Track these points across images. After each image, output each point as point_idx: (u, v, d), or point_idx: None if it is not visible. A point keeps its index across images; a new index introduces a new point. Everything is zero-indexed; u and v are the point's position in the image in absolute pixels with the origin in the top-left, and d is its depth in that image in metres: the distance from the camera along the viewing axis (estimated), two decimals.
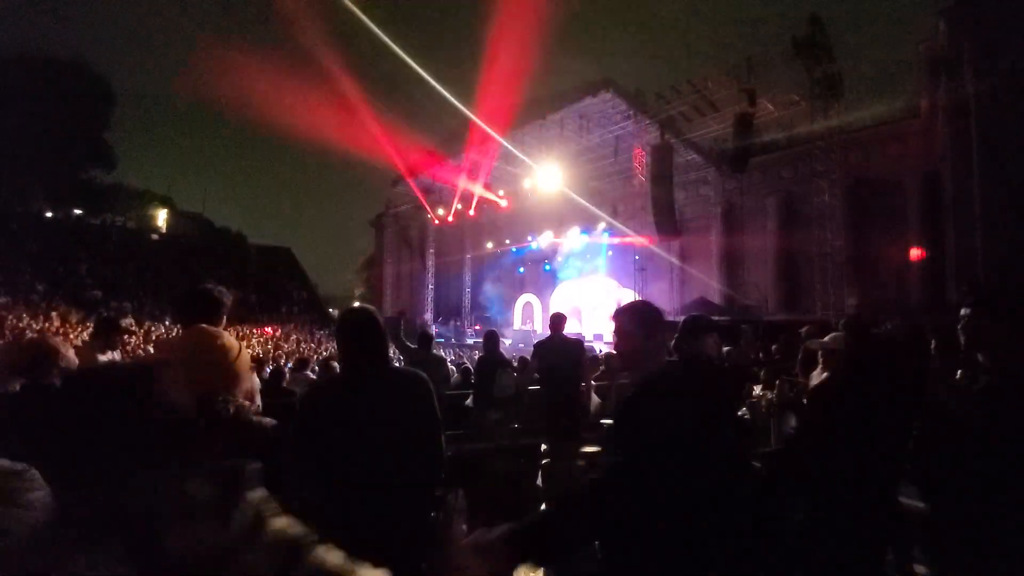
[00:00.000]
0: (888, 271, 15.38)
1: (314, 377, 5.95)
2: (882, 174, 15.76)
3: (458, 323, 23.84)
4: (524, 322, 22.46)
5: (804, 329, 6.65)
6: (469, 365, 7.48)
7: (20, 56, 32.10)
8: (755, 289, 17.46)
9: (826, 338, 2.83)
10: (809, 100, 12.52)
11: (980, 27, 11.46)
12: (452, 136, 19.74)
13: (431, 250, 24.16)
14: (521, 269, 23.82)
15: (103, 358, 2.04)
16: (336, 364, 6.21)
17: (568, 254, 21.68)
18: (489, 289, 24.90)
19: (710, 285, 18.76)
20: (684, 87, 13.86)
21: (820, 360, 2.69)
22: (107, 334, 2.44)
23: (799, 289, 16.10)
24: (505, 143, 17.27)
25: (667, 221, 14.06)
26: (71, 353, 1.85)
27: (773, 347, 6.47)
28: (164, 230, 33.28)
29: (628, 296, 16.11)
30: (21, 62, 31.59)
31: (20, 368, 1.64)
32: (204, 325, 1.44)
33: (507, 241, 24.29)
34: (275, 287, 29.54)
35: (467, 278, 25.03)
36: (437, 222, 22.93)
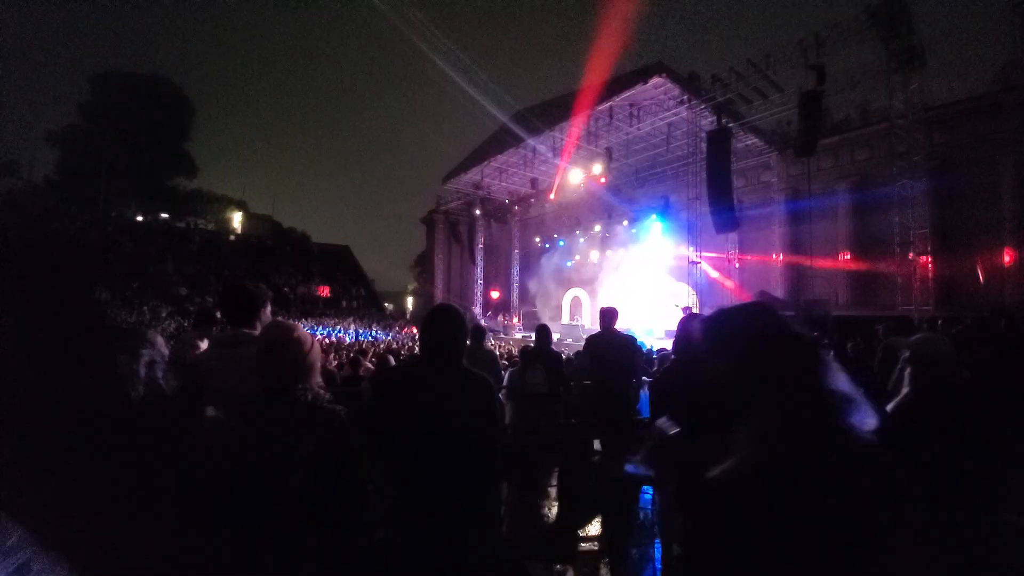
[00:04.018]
0: (980, 264, 13.82)
1: (371, 367, 6.24)
2: (971, 155, 14.12)
3: (506, 318, 24.09)
4: (572, 317, 22.29)
5: (882, 326, 6.14)
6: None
7: (109, 74, 35.66)
8: (823, 282, 16.30)
9: (915, 338, 1.87)
10: (886, 74, 11.44)
11: None
12: (501, 131, 19.89)
13: (480, 245, 24.53)
14: (569, 263, 23.63)
15: (202, 345, 2.30)
16: (391, 358, 6.51)
17: (618, 248, 21.23)
18: (537, 284, 24.93)
19: (772, 277, 17.71)
20: (744, 67, 13.09)
21: (908, 371, 1.74)
22: (205, 324, 2.78)
23: (874, 283, 14.86)
24: (553, 136, 17.19)
25: (725, 212, 13.34)
26: (159, 342, 2.06)
27: (848, 345, 6.01)
28: (239, 231, 35.97)
29: (681, 291, 15.54)
30: (110, 79, 35.11)
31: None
32: (279, 319, 1.58)
33: (555, 235, 24.17)
34: (336, 283, 31.19)
35: (515, 272, 25.19)
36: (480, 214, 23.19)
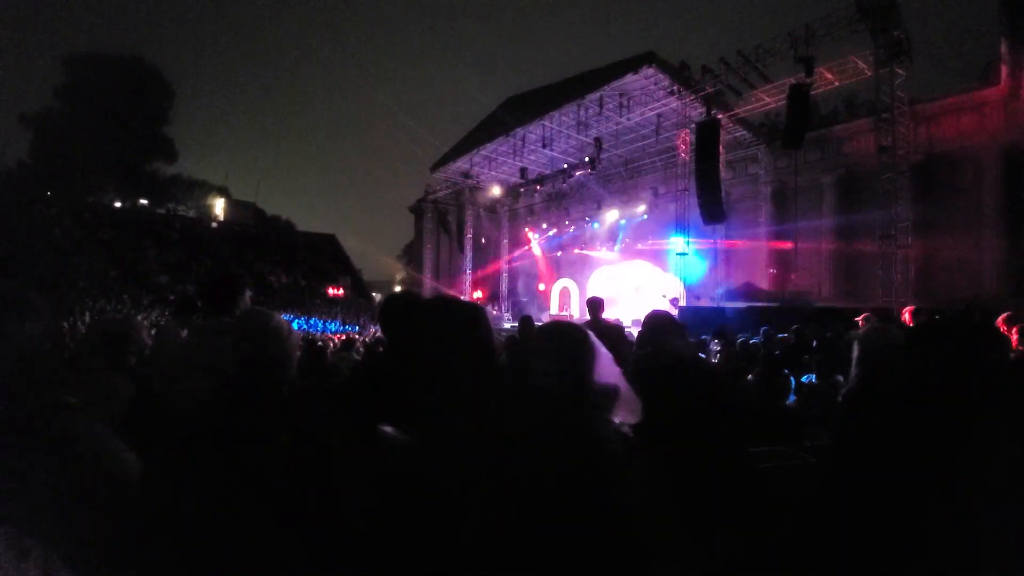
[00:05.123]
0: (960, 257, 14.14)
1: (358, 358, 6.18)
2: (955, 149, 14.36)
3: (495, 308, 24.04)
4: (561, 307, 22.34)
5: (861, 317, 6.27)
6: None
7: (85, 55, 34.40)
8: (806, 274, 16.54)
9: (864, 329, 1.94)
10: (874, 68, 11.53)
11: None
12: (491, 119, 19.66)
13: (469, 235, 24.36)
14: (558, 253, 23.63)
15: (183, 334, 2.23)
16: (381, 348, 6.44)
17: (606, 238, 21.28)
18: (525, 274, 24.87)
19: (757, 269, 17.92)
20: (733, 58, 13.09)
21: (854, 358, 1.76)
22: (186, 313, 2.69)
23: (857, 275, 15.11)
24: (542, 125, 17.04)
25: (713, 204, 13.42)
26: (144, 335, 2.00)
27: (828, 335, 6.14)
28: (221, 218, 35.17)
29: (669, 280, 15.65)
30: (87, 60, 33.87)
31: (100, 350, 1.79)
32: (256, 307, 1.52)
33: (544, 225, 24.12)
34: (321, 272, 30.76)
35: (504, 263, 25.11)
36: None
